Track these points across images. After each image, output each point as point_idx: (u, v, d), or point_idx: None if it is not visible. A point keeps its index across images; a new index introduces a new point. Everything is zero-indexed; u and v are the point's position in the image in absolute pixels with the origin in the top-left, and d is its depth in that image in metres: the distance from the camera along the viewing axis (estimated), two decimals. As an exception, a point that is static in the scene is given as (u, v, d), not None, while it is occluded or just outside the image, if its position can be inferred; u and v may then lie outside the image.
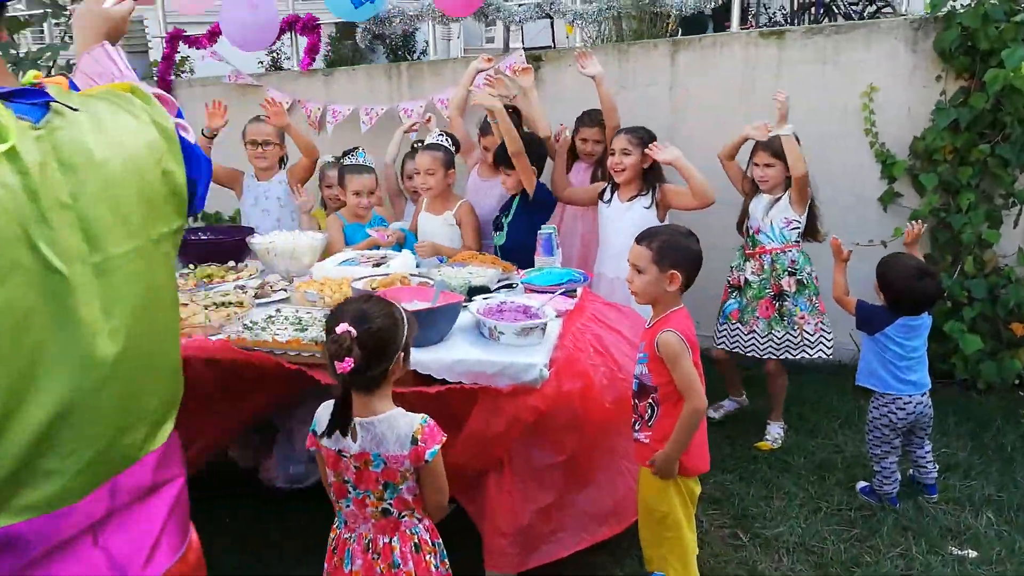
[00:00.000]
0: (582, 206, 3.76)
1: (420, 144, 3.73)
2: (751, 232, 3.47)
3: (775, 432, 3.54)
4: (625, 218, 3.39)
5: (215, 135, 3.73)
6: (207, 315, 2.58)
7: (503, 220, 3.50)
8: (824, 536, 2.82)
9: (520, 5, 4.60)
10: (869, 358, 2.99)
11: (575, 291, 2.87)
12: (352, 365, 1.68)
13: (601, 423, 2.42)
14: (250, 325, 2.51)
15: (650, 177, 3.40)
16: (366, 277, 2.79)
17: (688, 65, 4.26)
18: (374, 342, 1.74)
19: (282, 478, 3.22)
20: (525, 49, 4.49)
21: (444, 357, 2.29)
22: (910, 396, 2.91)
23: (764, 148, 3.38)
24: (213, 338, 2.44)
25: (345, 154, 3.64)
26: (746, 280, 3.50)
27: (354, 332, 1.70)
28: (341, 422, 1.76)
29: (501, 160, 3.43)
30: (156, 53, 5.19)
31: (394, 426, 1.81)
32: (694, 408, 2.18)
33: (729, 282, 3.61)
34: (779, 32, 4.20)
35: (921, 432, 3.01)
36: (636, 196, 3.41)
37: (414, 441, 1.79)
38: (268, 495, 3.14)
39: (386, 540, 1.86)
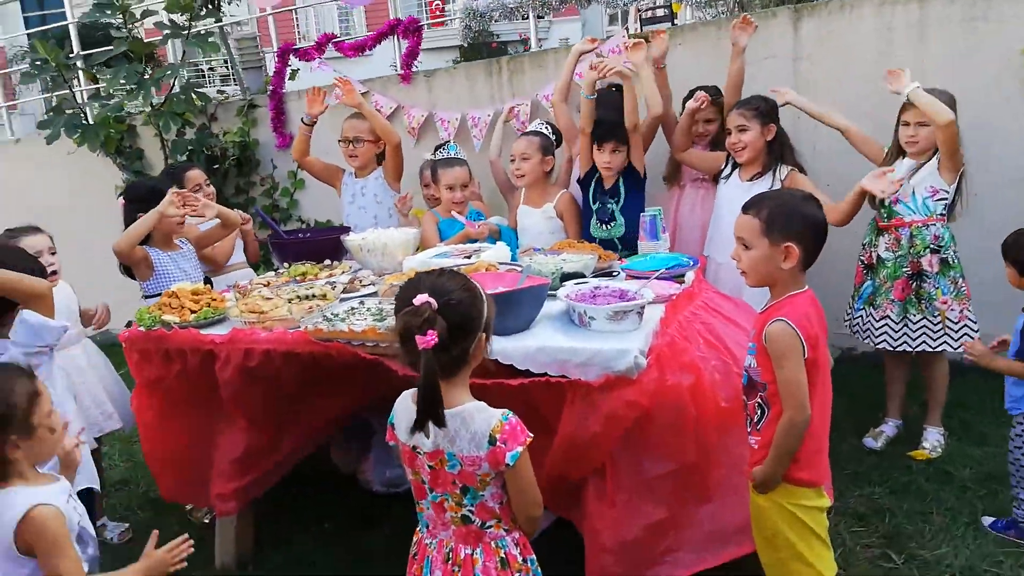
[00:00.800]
0: (702, 170, 3.43)
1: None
2: (887, 202, 3.00)
3: (933, 439, 3.04)
4: (744, 198, 3.01)
5: (314, 122, 3.72)
6: (289, 308, 2.50)
7: (613, 209, 3.20)
8: (999, 559, 2.34)
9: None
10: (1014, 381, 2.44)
11: (683, 277, 2.57)
12: (436, 339, 1.46)
13: (717, 424, 2.10)
14: (330, 317, 2.40)
15: (776, 152, 3.04)
16: (453, 266, 2.61)
17: (812, 34, 3.84)
18: (456, 315, 1.51)
19: (378, 481, 3.11)
20: (642, 27, 4.23)
21: (527, 344, 2.06)
22: None
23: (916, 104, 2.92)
24: (292, 331, 2.35)
25: (436, 148, 3.52)
26: (879, 257, 3.04)
27: (435, 303, 1.49)
28: (430, 410, 1.50)
29: (609, 134, 3.14)
30: (270, 68, 5.35)
31: (468, 422, 1.56)
32: (792, 420, 1.80)
33: (862, 261, 3.15)
34: (918, -13, 3.69)
35: None
36: (760, 175, 3.05)
37: (492, 441, 1.53)
38: (367, 499, 3.04)
39: (468, 551, 1.63)
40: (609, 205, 3.21)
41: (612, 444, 2.00)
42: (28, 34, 7.38)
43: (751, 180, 3.08)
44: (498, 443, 1.53)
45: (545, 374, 2.04)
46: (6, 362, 1.74)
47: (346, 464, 3.24)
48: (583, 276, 2.51)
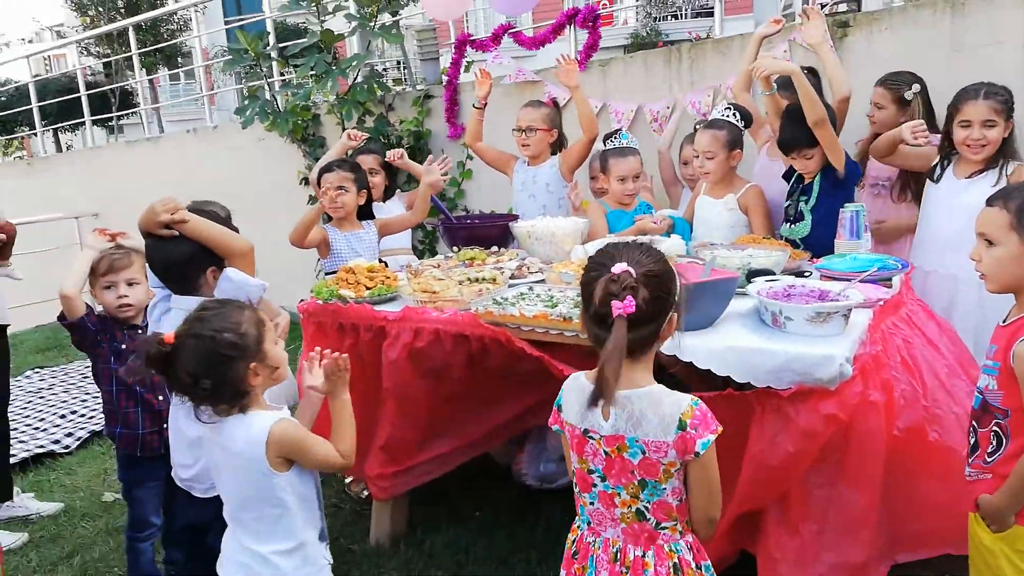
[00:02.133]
0: (913, 168, 3.02)
1: (701, 124, 3.33)
2: None
3: None
4: (961, 200, 2.65)
5: (485, 105, 3.71)
6: (460, 290, 2.47)
7: (803, 207, 2.91)
8: None
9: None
10: None
11: (890, 280, 2.27)
12: (633, 307, 1.37)
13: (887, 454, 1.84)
14: (500, 301, 2.34)
15: (1005, 148, 2.64)
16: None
17: (1052, 16, 3.32)
18: (654, 287, 1.41)
19: (532, 475, 3.04)
20: (829, 15, 3.87)
21: (713, 343, 1.89)
22: None
23: None
24: (462, 311, 2.32)
25: (607, 137, 3.38)
26: None
27: (634, 272, 1.40)
28: (608, 384, 1.38)
29: (793, 142, 2.84)
30: (446, 60, 5.44)
31: (657, 404, 1.45)
32: None
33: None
34: None
35: None
36: (981, 172, 2.66)
37: (681, 426, 1.42)
38: (520, 492, 2.98)
39: (638, 553, 1.50)
40: (800, 203, 2.93)
41: (807, 465, 1.77)
42: (228, 28, 8.03)
43: (970, 178, 2.69)
44: (688, 429, 1.42)
45: (726, 381, 1.86)
46: (227, 298, 1.80)
47: (502, 456, 3.19)
48: (772, 273, 2.28)
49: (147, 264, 2.10)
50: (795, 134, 2.82)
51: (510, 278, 2.67)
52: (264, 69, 5.32)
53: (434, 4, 4.88)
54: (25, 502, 3.25)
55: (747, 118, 3.11)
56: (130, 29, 7.09)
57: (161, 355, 1.60)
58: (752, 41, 3.40)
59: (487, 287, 2.49)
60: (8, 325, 3.21)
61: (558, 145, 3.65)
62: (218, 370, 1.60)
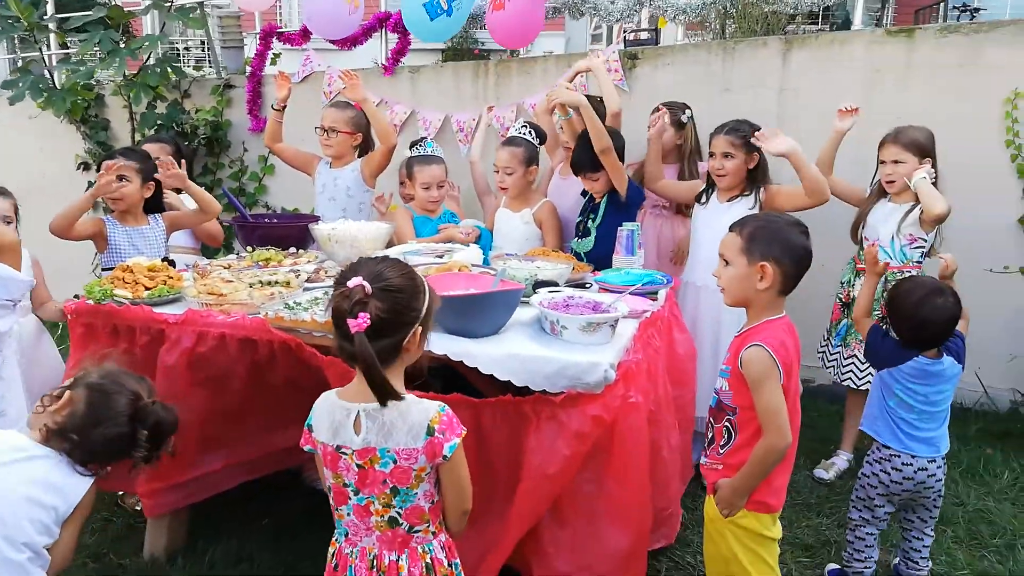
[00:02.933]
0: (679, 201, 3.40)
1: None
2: (867, 244, 3.01)
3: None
4: (723, 221, 2.96)
5: (284, 107, 3.63)
6: (251, 293, 2.40)
7: (590, 224, 3.14)
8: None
9: (617, 1, 4.32)
10: (873, 399, 2.41)
11: (656, 294, 2.52)
12: (368, 322, 1.39)
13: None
14: (292, 305, 2.30)
15: (754, 175, 3.02)
16: (424, 265, 2.53)
17: (802, 65, 3.86)
18: (390, 302, 1.45)
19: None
20: (626, 46, 4.21)
21: (496, 350, 1.99)
22: (912, 458, 2.27)
23: (894, 140, 2.94)
24: (251, 316, 2.25)
25: (413, 145, 3.43)
26: (853, 299, 3.05)
27: (369, 288, 1.42)
28: (384, 389, 1.44)
29: (582, 165, 3.07)
30: (250, 50, 5.22)
31: (406, 414, 1.50)
32: (771, 445, 1.79)
33: (840, 298, 3.17)
34: (909, 31, 3.74)
35: (924, 512, 2.36)
36: (738, 196, 3.03)
37: (430, 432, 1.49)
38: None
39: (392, 557, 1.56)
40: (588, 220, 3.16)
41: (578, 466, 1.92)
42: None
43: (729, 201, 3.06)
44: (436, 434, 1.49)
45: (507, 386, 1.97)
46: None
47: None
48: (556, 285, 2.44)
49: None
50: (584, 158, 3.05)
51: (306, 282, 2.63)
52: (39, 40, 4.78)
53: None
54: None
55: (542, 136, 3.32)
56: None
57: None
58: (571, 71, 3.56)
59: (280, 291, 2.44)
60: None
61: (365, 149, 3.64)
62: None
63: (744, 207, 2.98)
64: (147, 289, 2.44)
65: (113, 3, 4.59)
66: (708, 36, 4.67)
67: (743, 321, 1.97)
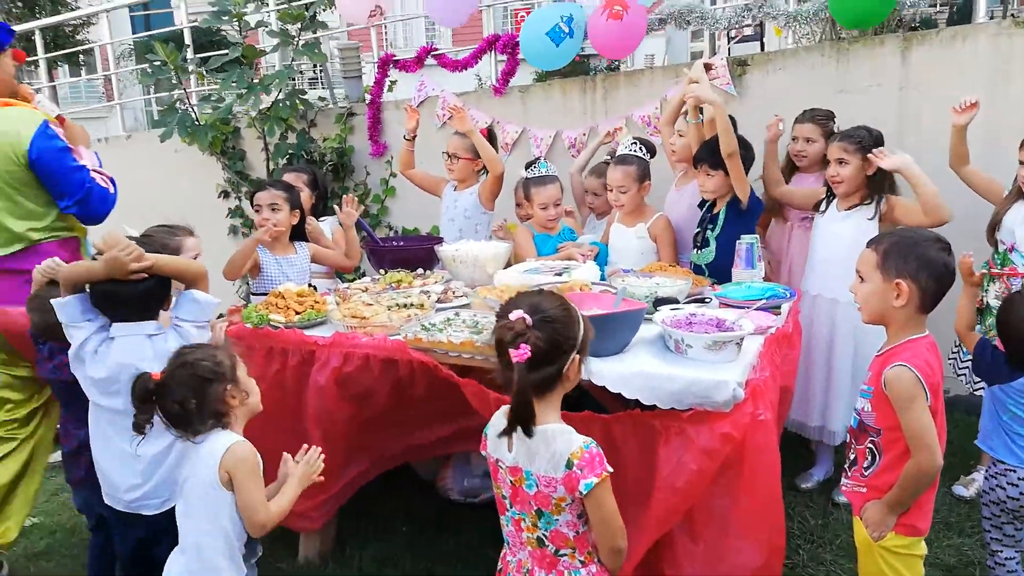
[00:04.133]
0: (798, 208, 3.35)
1: (611, 157, 3.56)
2: (1003, 248, 2.90)
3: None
4: (840, 229, 2.98)
5: (415, 136, 3.87)
6: (389, 315, 2.59)
7: (709, 235, 3.16)
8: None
9: (725, 8, 4.31)
10: (986, 413, 2.32)
11: (779, 308, 2.54)
12: (529, 354, 1.50)
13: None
14: (428, 326, 2.47)
15: (877, 185, 2.96)
16: (546, 284, 2.66)
17: (922, 63, 3.73)
18: (549, 332, 1.55)
19: (457, 490, 3.17)
20: (729, 42, 4.22)
21: (622, 369, 2.08)
22: None
23: None
24: (392, 338, 2.44)
25: (528, 166, 3.56)
26: (987, 305, 2.93)
27: (529, 319, 1.54)
28: (520, 421, 1.53)
29: (703, 158, 3.10)
30: (369, 78, 5.53)
31: (549, 442, 1.57)
32: (922, 467, 1.79)
33: (975, 305, 3.06)
34: (1042, 19, 3.55)
35: None
36: (857, 205, 2.98)
37: (569, 464, 1.53)
38: (445, 506, 3.10)
39: (542, 575, 1.64)
40: (707, 231, 3.18)
41: (708, 481, 1.97)
42: (144, 36, 7.83)
43: (848, 210, 3.01)
44: (574, 468, 1.53)
45: (636, 403, 2.05)
46: (201, 342, 2.08)
47: (426, 470, 3.31)
48: (676, 301, 2.51)
49: (89, 297, 2.12)
50: (706, 152, 3.08)
51: (436, 302, 2.81)
52: (182, 81, 5.26)
53: (347, 3, 4.95)
54: None
55: (652, 150, 3.38)
56: (36, 31, 6.82)
57: (150, 391, 1.80)
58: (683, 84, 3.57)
59: (416, 313, 2.62)
60: None
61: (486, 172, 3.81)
62: (200, 391, 1.81)
63: (863, 217, 2.94)
64: (297, 313, 2.68)
65: (245, 43, 4.97)
66: (821, 36, 4.55)
67: (860, 334, 1.97)
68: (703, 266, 3.13)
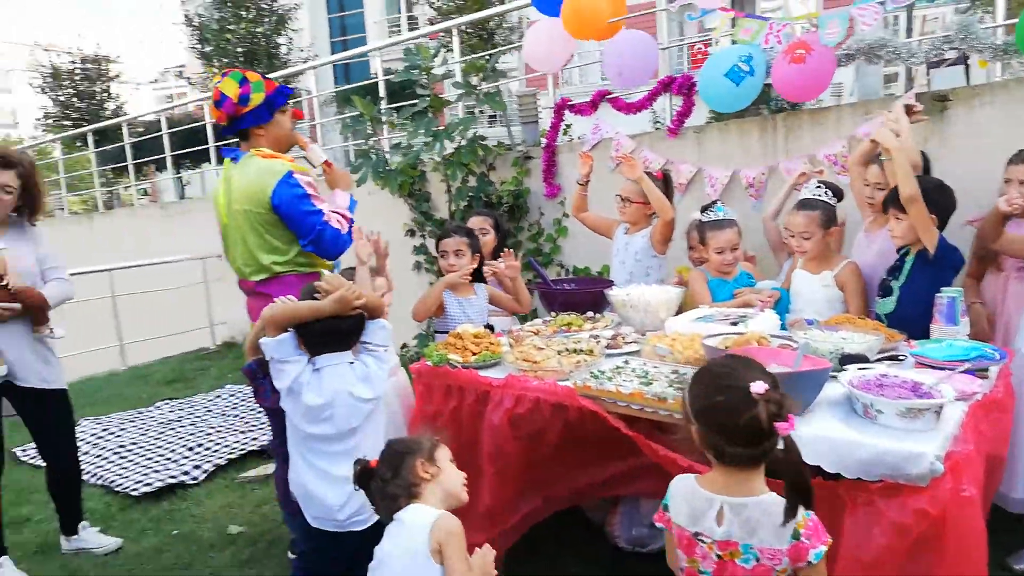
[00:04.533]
0: (1018, 256, 3.00)
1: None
2: None
3: None
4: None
5: (587, 182, 3.96)
6: (560, 360, 2.64)
7: (892, 283, 2.95)
8: None
9: (920, 40, 4.01)
10: None
11: (985, 371, 2.30)
12: (794, 424, 1.51)
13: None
14: (597, 374, 2.49)
15: None
16: (719, 335, 2.59)
17: None
18: (780, 403, 1.54)
19: (624, 538, 3.14)
20: (928, 69, 3.89)
21: (804, 431, 1.97)
22: None
23: None
24: (561, 383, 2.48)
25: (704, 209, 3.50)
26: None
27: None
28: (806, 493, 1.53)
29: (891, 202, 2.91)
30: (545, 123, 5.71)
31: (772, 512, 1.55)
32: None
33: None
34: None
35: None
36: None
37: (795, 535, 1.52)
38: (611, 552, 3.08)
39: None
40: (890, 280, 2.96)
41: (900, 560, 1.82)
42: (345, 89, 8.61)
43: None
44: (802, 538, 1.52)
45: (818, 469, 1.94)
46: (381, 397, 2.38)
47: (595, 514, 3.31)
48: (866, 359, 2.34)
49: (301, 334, 2.35)
50: (896, 195, 2.87)
51: (606, 348, 2.83)
52: (376, 130, 5.73)
53: (533, 53, 5.13)
54: (90, 536, 3.51)
55: (839, 194, 3.20)
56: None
57: (367, 473, 1.97)
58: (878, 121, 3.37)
59: (585, 359, 2.65)
60: (66, 389, 3.37)
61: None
62: (395, 465, 1.94)
63: None
64: (474, 354, 2.81)
65: (434, 95, 5.33)
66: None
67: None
68: (883, 316, 2.91)
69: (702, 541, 1.61)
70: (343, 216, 3.04)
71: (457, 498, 1.98)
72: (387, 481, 1.92)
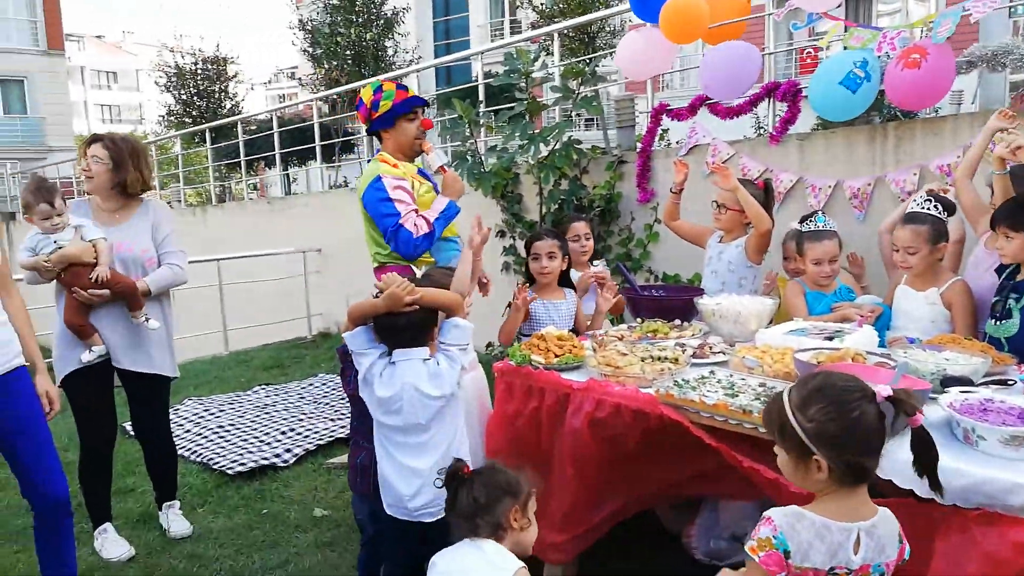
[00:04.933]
0: None
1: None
2: None
3: None
4: None
5: (680, 190, 3.88)
6: (643, 367, 2.62)
7: (1011, 304, 2.76)
8: None
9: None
10: None
11: (1107, 402, 2.12)
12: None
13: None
14: (681, 383, 2.46)
15: None
16: (813, 349, 2.50)
17: None
18: (909, 394, 1.58)
19: (702, 550, 3.08)
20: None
21: (898, 454, 1.87)
22: None
23: None
24: (643, 390, 2.46)
25: (803, 219, 3.38)
26: None
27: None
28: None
29: (1002, 217, 2.74)
30: (641, 128, 5.67)
31: (893, 525, 1.62)
32: None
33: None
34: None
35: None
36: None
37: (900, 538, 1.62)
38: (688, 564, 3.02)
39: None
40: (1010, 299, 2.77)
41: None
42: (445, 92, 8.80)
43: None
44: (903, 540, 1.61)
45: (911, 493, 1.85)
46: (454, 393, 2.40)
47: (673, 523, 3.26)
48: (971, 383, 2.21)
49: (374, 329, 2.44)
50: (1007, 211, 2.73)
51: (692, 357, 2.78)
52: (474, 133, 5.83)
53: (627, 60, 5.03)
54: (168, 516, 3.65)
55: (949, 208, 3.02)
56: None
57: (458, 478, 1.98)
58: (983, 132, 3.22)
59: (669, 367, 2.62)
60: (162, 375, 3.47)
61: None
62: (493, 497, 1.94)
63: None
64: (556, 356, 2.82)
65: (531, 98, 5.38)
66: None
67: None
68: (1002, 340, 2.72)
69: (835, 574, 1.57)
70: (427, 220, 3.24)
71: (526, 552, 2.01)
72: (478, 506, 1.93)
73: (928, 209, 2.98)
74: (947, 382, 2.19)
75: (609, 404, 2.52)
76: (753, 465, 2.14)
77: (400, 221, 3.18)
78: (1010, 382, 2.31)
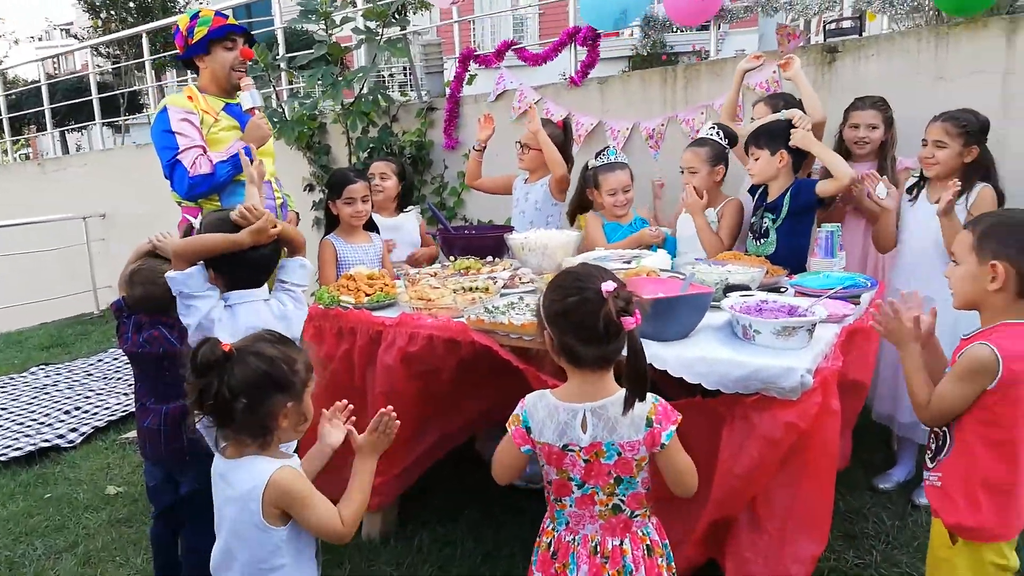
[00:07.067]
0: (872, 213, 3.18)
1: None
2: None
3: None
4: (931, 221, 2.79)
5: (483, 148, 3.88)
6: (455, 298, 2.60)
7: (768, 225, 3.02)
8: None
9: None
10: None
11: (858, 298, 2.40)
12: (639, 320, 1.51)
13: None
14: (491, 309, 2.46)
15: (974, 174, 2.77)
16: (615, 271, 2.60)
17: (1031, 46, 3.47)
18: (628, 299, 1.54)
19: (520, 476, 3.14)
20: (826, 38, 4.02)
21: (685, 353, 2.01)
22: None
23: None
24: (455, 320, 2.44)
25: (597, 155, 3.51)
26: None
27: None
28: (646, 382, 1.55)
29: (750, 140, 3.05)
30: (450, 74, 5.60)
31: (631, 409, 1.59)
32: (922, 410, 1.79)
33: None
34: None
35: None
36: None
37: (649, 423, 1.60)
38: (507, 491, 3.08)
39: (616, 542, 1.66)
40: (766, 220, 3.05)
41: (771, 471, 1.90)
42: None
43: (939, 202, 2.82)
44: (654, 424, 1.59)
45: (698, 389, 1.98)
46: (299, 338, 2.17)
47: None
48: (748, 289, 2.41)
49: (212, 268, 2.15)
50: (753, 134, 3.04)
51: (502, 288, 2.80)
52: (272, 79, 5.47)
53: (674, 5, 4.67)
54: None
55: (731, 136, 3.27)
56: (143, 35, 7.26)
57: (217, 360, 1.57)
58: (736, 73, 3.54)
59: (480, 296, 2.62)
60: None
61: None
62: (257, 395, 1.58)
63: (957, 209, 2.74)
64: (367, 295, 2.73)
65: (332, 40, 5.12)
66: (921, 21, 4.31)
67: (958, 329, 1.85)
68: (763, 258, 3.01)
69: (571, 451, 1.62)
70: (210, 161, 2.99)
71: (302, 434, 1.75)
72: (239, 411, 1.57)
73: (712, 135, 3.21)
74: (729, 289, 2.37)
75: (422, 337, 2.48)
76: (559, 383, 2.19)
77: (177, 156, 2.93)
78: (783, 289, 2.55)
